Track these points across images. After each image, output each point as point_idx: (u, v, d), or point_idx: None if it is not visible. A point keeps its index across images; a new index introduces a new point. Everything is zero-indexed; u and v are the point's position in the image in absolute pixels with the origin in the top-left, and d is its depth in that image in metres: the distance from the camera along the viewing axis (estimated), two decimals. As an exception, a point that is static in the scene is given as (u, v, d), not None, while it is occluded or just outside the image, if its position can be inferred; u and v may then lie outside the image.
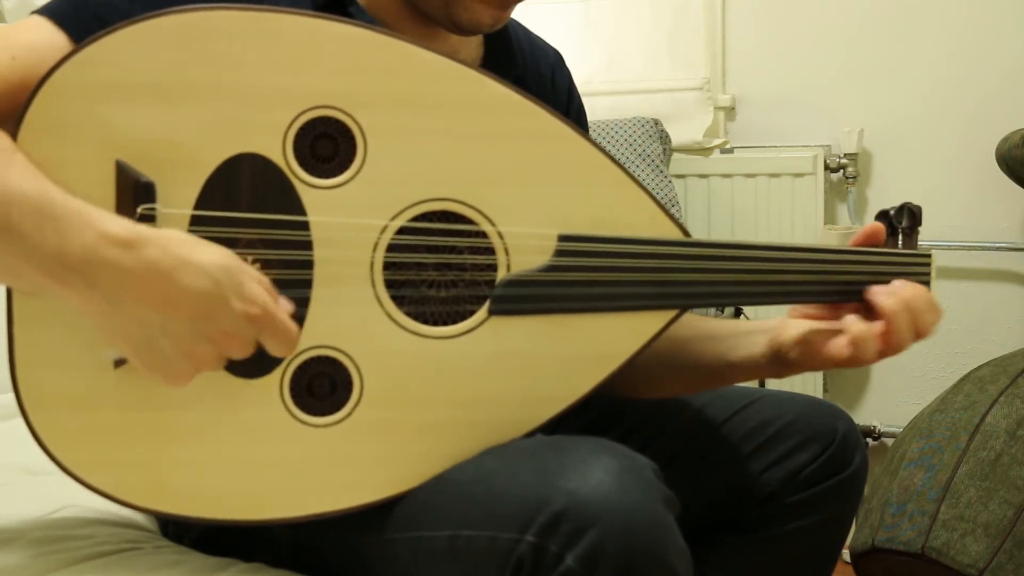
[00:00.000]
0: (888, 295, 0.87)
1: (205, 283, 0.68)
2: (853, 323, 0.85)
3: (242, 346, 0.71)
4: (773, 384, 2.13)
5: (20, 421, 0.77)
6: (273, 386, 0.78)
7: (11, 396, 0.76)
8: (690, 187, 2.20)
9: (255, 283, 0.70)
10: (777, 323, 0.93)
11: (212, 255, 0.69)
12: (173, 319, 0.68)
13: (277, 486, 0.78)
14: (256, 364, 0.76)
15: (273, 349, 0.72)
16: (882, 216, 0.94)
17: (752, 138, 2.21)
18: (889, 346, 0.86)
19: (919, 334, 0.87)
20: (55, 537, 0.89)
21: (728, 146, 2.21)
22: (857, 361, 0.86)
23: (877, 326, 0.85)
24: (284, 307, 0.73)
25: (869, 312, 0.88)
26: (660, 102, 2.25)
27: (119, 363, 0.75)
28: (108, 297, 0.68)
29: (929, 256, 0.92)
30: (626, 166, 1.68)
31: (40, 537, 0.89)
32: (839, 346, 0.86)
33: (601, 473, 0.71)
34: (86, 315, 0.70)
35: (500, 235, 0.82)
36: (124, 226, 0.68)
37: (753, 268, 0.87)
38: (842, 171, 2.11)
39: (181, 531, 0.95)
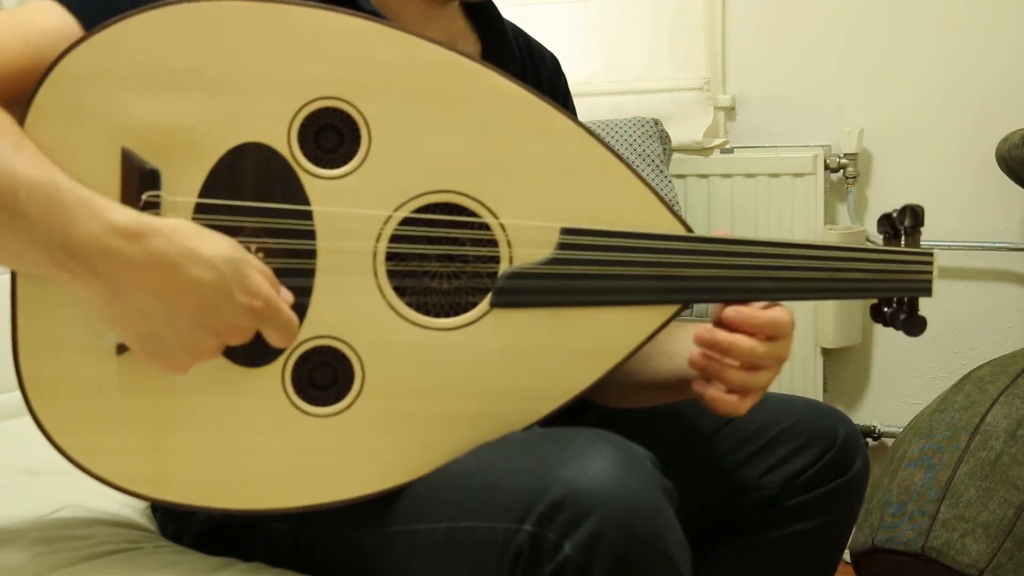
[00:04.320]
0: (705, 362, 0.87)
1: (210, 275, 0.68)
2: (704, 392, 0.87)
3: (242, 336, 0.72)
4: (773, 385, 2.13)
5: (20, 421, 0.77)
6: (275, 376, 0.78)
7: (11, 396, 0.76)
8: (690, 187, 2.20)
9: (259, 275, 0.71)
10: None
11: (217, 247, 0.69)
12: (177, 309, 0.69)
13: (279, 476, 0.79)
14: (258, 353, 0.77)
15: (273, 340, 0.73)
16: (885, 219, 0.95)
17: (752, 138, 2.21)
18: (741, 391, 0.86)
19: (761, 366, 0.87)
20: (55, 537, 0.89)
21: (728, 146, 2.21)
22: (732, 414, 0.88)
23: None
24: (285, 298, 0.73)
25: None
26: (660, 102, 2.24)
27: (121, 349, 0.75)
28: (113, 286, 0.68)
29: (931, 255, 0.92)
30: (626, 166, 1.67)
31: (40, 537, 0.89)
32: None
33: (599, 462, 0.71)
34: (91, 302, 0.70)
35: (503, 227, 0.82)
36: (131, 216, 0.68)
37: (754, 264, 0.87)
38: (842, 171, 2.11)
39: (181, 531, 0.95)
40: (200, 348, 0.71)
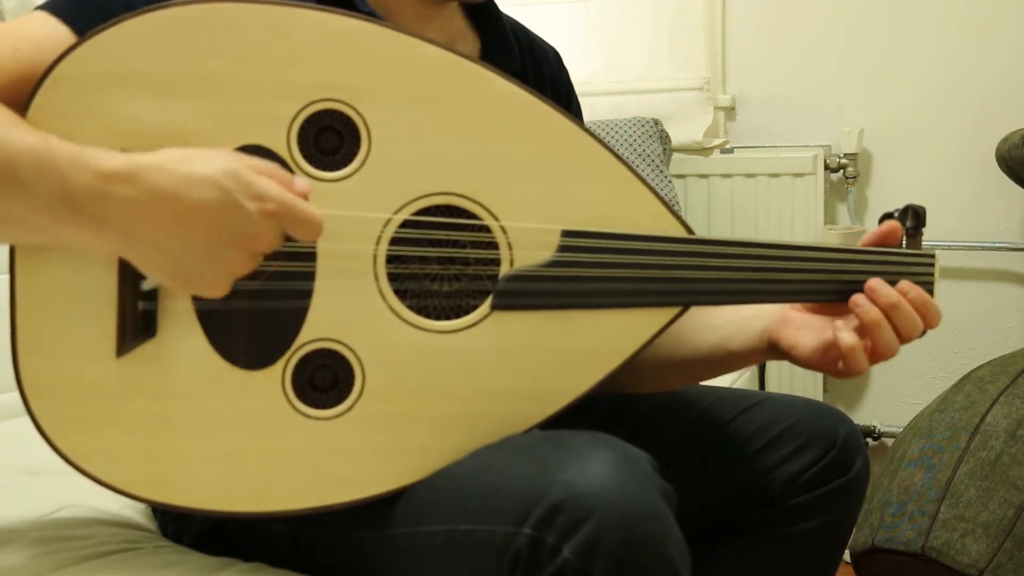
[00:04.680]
0: (867, 307, 0.86)
1: (213, 192, 0.67)
2: (844, 338, 0.85)
3: (269, 242, 0.71)
4: (773, 384, 2.14)
5: (20, 421, 0.77)
6: (275, 378, 0.78)
7: (11, 396, 0.76)
8: (690, 187, 2.20)
9: (264, 178, 0.70)
10: (776, 314, 0.93)
11: (214, 162, 0.68)
12: (190, 236, 0.68)
13: (279, 478, 0.78)
14: (259, 355, 0.76)
15: (300, 236, 0.71)
16: (886, 218, 0.94)
17: (752, 138, 2.21)
18: (877, 355, 0.86)
19: (906, 338, 0.87)
20: (55, 537, 0.89)
21: (728, 146, 2.21)
22: (849, 374, 0.87)
23: (865, 341, 0.86)
24: (300, 187, 0.72)
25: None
26: (660, 102, 2.25)
27: (123, 345, 0.75)
28: (122, 231, 0.68)
29: (933, 256, 0.92)
30: (626, 166, 1.67)
31: (40, 537, 0.89)
32: (830, 361, 0.87)
33: (598, 465, 0.71)
34: (105, 252, 0.70)
35: (503, 230, 0.82)
36: (119, 159, 0.68)
37: (756, 266, 0.87)
38: (842, 171, 2.11)
39: (181, 531, 0.95)
40: (230, 265, 0.70)
